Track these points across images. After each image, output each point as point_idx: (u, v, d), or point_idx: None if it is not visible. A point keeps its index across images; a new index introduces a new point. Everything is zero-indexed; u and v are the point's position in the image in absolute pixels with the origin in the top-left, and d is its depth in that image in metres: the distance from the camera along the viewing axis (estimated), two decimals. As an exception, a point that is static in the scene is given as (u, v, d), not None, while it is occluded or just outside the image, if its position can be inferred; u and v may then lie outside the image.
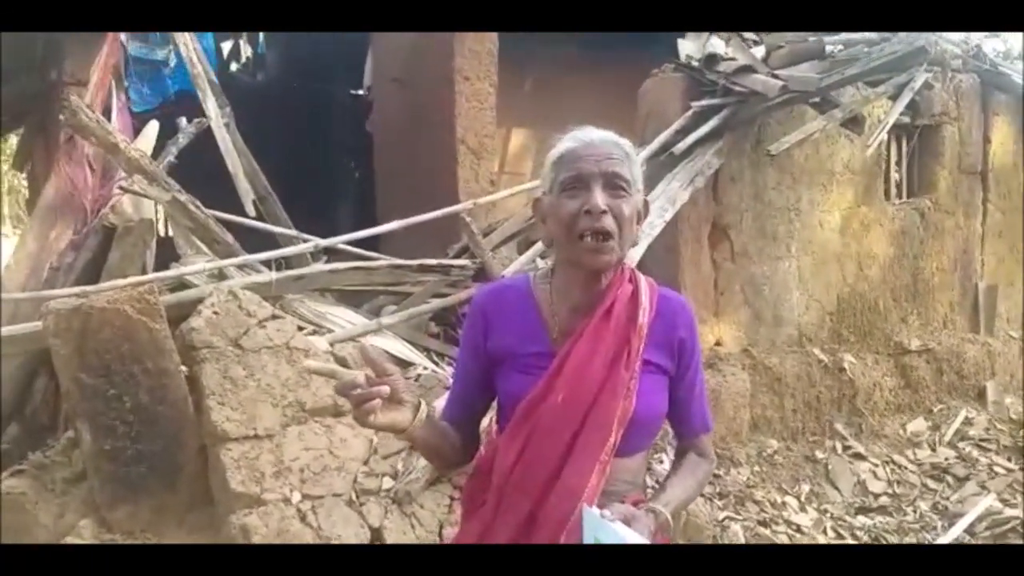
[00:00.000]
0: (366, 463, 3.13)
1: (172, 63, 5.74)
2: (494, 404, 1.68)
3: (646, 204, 1.57)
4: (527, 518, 1.48)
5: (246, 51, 8.91)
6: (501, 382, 1.57)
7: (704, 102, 4.48)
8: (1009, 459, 4.82)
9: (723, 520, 3.89)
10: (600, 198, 1.45)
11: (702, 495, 4.04)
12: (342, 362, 3.47)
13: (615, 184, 1.47)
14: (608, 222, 1.45)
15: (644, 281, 1.58)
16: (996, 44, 6.44)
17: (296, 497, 2.93)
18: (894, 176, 5.42)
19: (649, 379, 1.53)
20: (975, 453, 4.87)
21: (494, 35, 5.55)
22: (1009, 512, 4.15)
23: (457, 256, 4.44)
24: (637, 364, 1.51)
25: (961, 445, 4.94)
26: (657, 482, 1.84)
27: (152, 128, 4.69)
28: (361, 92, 8.24)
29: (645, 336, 1.53)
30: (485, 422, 1.75)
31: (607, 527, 1.37)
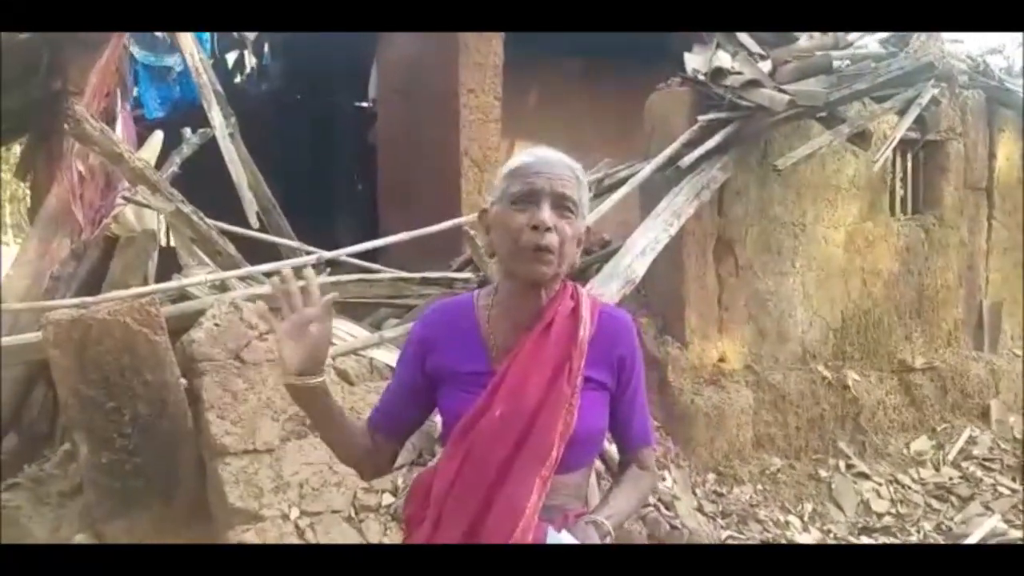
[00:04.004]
0: (366, 479, 3.10)
1: (179, 69, 5.74)
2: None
3: (588, 230, 1.59)
4: (467, 534, 1.47)
5: (251, 62, 8.91)
6: (442, 401, 1.58)
7: (710, 116, 4.46)
8: (1013, 479, 4.78)
9: (726, 539, 3.85)
10: (547, 215, 1.47)
11: (703, 513, 4.01)
12: (343, 375, 3.45)
13: (563, 204, 1.49)
14: (552, 239, 1.47)
15: (586, 297, 1.59)
16: (998, 60, 6.42)
17: (294, 513, 2.90)
18: (899, 192, 5.40)
19: (590, 396, 1.53)
20: (979, 473, 4.83)
21: (499, 48, 5.55)
22: (1014, 533, 4.10)
23: (460, 269, 4.42)
24: (578, 380, 1.51)
25: (965, 465, 4.90)
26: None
27: (157, 138, 4.68)
28: (366, 104, 8.24)
29: (586, 352, 1.53)
30: None
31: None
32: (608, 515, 1.53)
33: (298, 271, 1.53)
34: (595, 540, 1.47)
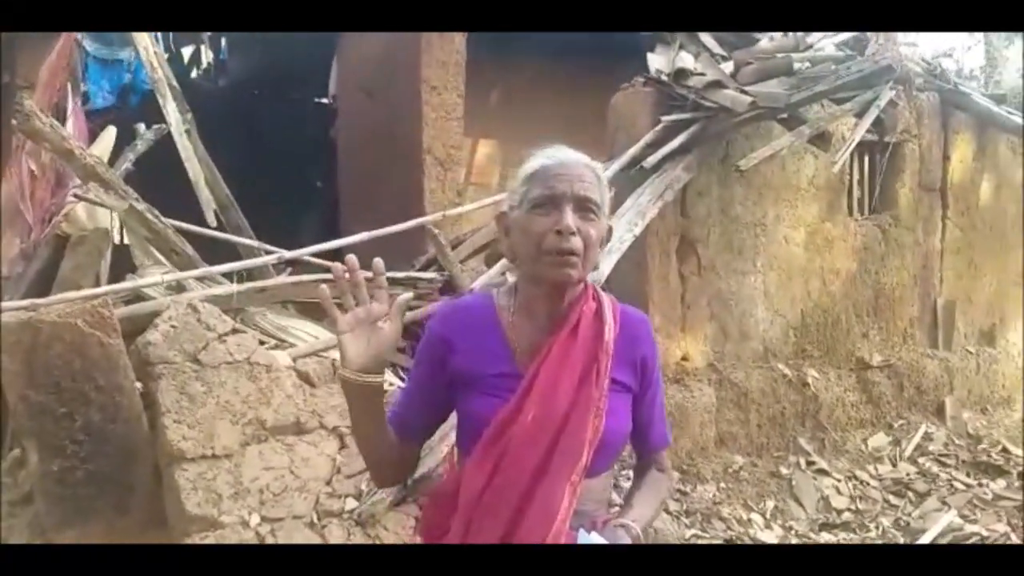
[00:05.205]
0: (329, 483, 3.05)
1: (134, 63, 5.60)
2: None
3: (610, 229, 1.57)
4: (499, 543, 1.44)
5: (208, 56, 8.74)
6: (465, 404, 1.53)
7: (673, 116, 4.48)
8: (968, 475, 4.89)
9: (689, 538, 3.88)
10: (571, 219, 1.45)
11: (667, 512, 4.03)
12: (305, 377, 3.39)
13: (586, 207, 1.47)
14: (576, 243, 1.45)
15: (607, 298, 1.58)
16: (949, 64, 6.57)
17: (255, 519, 2.84)
18: (856, 192, 5.48)
19: (616, 398, 1.52)
20: (935, 468, 4.93)
21: (462, 46, 5.51)
22: (970, 528, 4.19)
23: (424, 268, 4.37)
24: (606, 382, 1.49)
25: (921, 460, 5.00)
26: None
27: (109, 133, 4.56)
28: (326, 100, 8.13)
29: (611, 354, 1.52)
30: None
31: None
32: (634, 518, 1.52)
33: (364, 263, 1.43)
34: (626, 543, 1.46)
